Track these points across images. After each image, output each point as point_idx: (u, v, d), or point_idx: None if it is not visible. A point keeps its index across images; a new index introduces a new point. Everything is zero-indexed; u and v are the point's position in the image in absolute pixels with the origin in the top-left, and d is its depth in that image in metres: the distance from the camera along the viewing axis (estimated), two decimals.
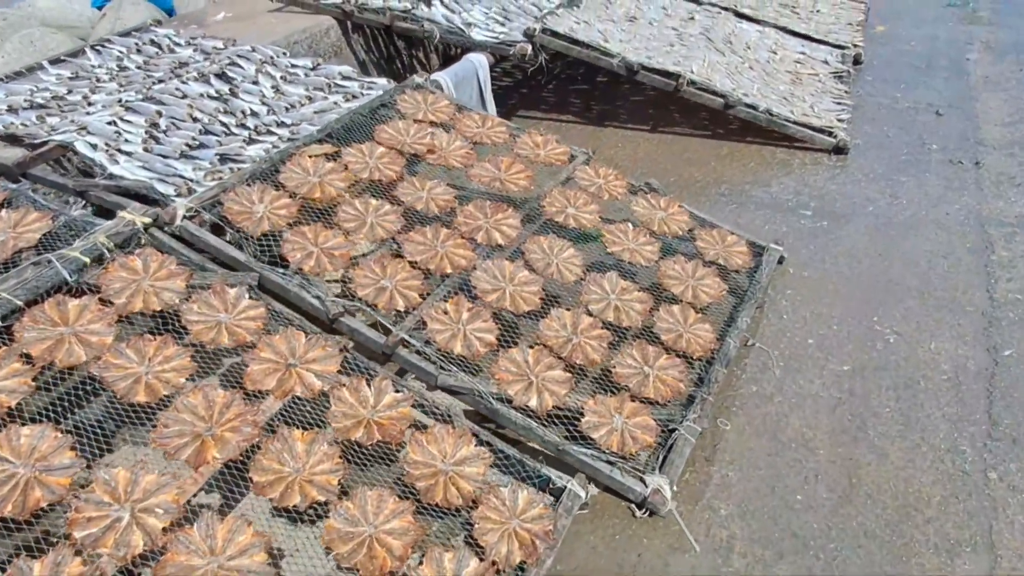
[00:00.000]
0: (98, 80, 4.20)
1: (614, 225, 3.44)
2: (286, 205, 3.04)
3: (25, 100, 3.88)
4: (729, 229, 3.66)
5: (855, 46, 6.15)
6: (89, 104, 3.87)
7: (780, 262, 3.62)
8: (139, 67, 4.39)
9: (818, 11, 6.90)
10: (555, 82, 6.29)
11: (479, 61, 5.11)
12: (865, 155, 4.76)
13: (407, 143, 3.56)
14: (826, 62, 5.80)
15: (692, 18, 5.98)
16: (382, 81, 4.34)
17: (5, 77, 4.14)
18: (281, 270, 2.80)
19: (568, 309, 2.98)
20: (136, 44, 4.62)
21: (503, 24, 5.63)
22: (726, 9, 6.25)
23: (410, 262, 2.96)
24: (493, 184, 3.46)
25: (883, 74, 5.98)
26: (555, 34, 5.10)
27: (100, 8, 7.06)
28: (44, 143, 3.42)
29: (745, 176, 4.58)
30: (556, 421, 2.64)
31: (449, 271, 2.97)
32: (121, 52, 4.52)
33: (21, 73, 4.22)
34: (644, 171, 4.72)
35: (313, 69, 4.40)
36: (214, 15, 5.80)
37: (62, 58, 4.40)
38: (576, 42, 5.08)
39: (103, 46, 4.60)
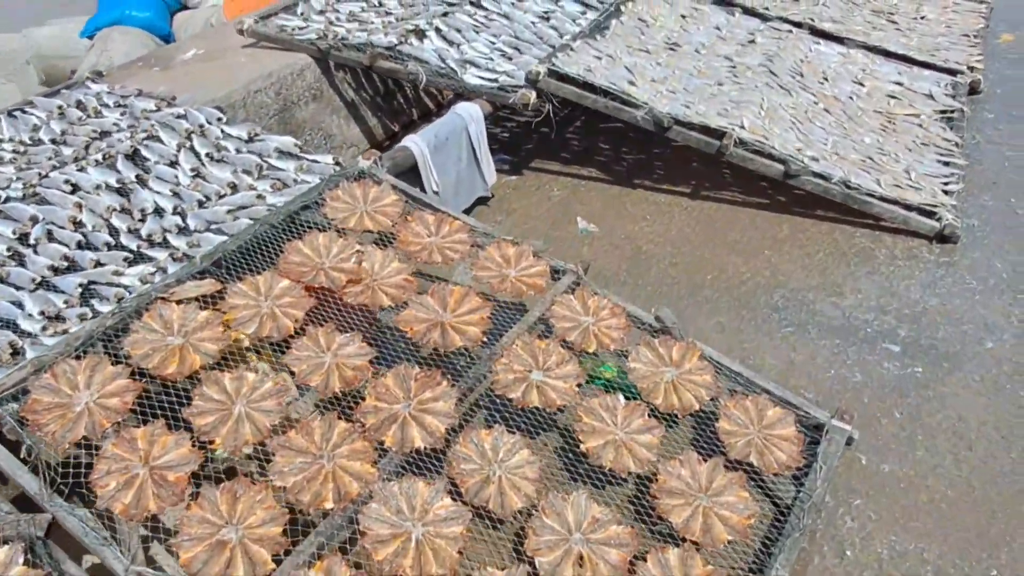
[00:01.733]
0: None
1: (595, 400, 2.41)
2: (123, 389, 2.19)
3: None
4: (772, 394, 2.56)
5: (971, 69, 4.75)
6: None
7: (848, 443, 2.50)
8: (54, 140, 3.65)
9: (923, 18, 5.48)
10: (584, 117, 5.21)
11: (470, 114, 4.11)
12: (982, 245, 3.49)
13: (324, 269, 2.64)
14: (930, 96, 4.46)
15: (752, 40, 4.75)
16: (326, 160, 3.43)
17: None
18: (83, 511, 1.95)
19: (503, 567, 2.00)
20: (60, 107, 3.88)
21: (511, 59, 4.60)
22: (799, 25, 4.96)
23: (275, 488, 2.05)
24: (429, 336, 2.50)
25: (1011, 109, 4.58)
26: (565, 77, 4.03)
27: (90, 38, 6.45)
28: None
29: (809, 276, 3.41)
30: None
31: (329, 505, 2.04)
32: (40, 120, 3.80)
33: None
34: (672, 263, 3.62)
35: (249, 141, 3.53)
36: (184, 53, 5.03)
37: None
38: (591, 87, 4.00)
39: (23, 111, 3.89)
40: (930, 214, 3.52)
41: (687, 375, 2.54)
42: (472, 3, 5.22)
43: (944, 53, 4.94)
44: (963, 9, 5.66)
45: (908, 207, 3.54)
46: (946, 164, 3.88)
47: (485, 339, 2.53)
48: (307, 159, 3.40)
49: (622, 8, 4.86)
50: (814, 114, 4.14)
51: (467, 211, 4.27)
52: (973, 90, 4.67)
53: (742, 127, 3.79)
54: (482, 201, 4.36)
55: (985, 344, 2.91)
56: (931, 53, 4.92)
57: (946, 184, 3.72)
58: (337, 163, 3.44)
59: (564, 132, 5.01)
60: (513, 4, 5.25)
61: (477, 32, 4.89)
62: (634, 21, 4.78)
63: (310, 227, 2.85)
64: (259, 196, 3.17)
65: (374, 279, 2.66)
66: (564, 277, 2.86)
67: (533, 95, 4.07)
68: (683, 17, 4.95)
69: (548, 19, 5.14)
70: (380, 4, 5.34)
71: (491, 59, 4.61)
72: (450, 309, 2.60)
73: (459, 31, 4.86)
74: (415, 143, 3.79)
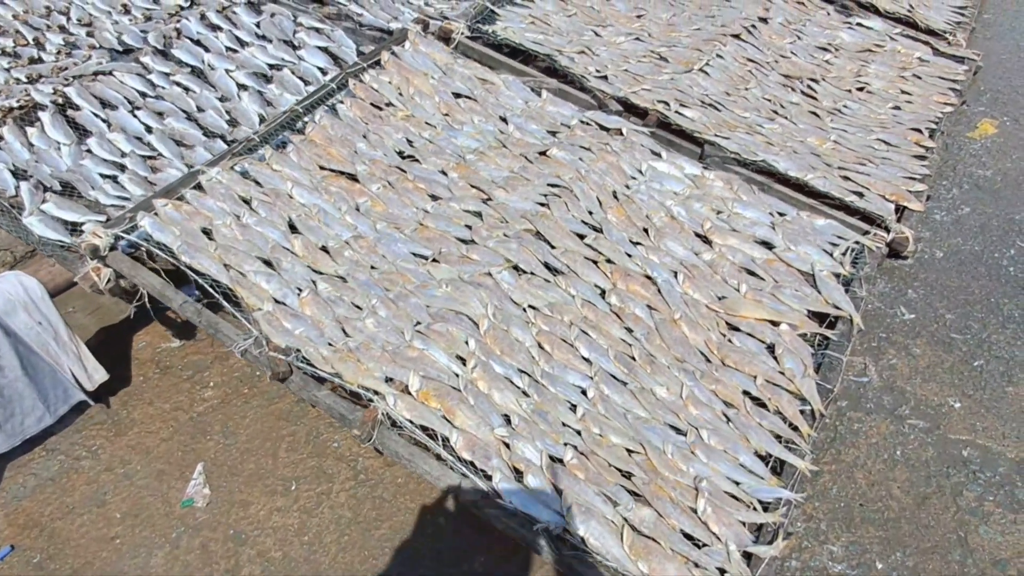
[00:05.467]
0: None
1: None
2: None
3: None
4: None
5: (900, 212, 2.93)
6: None
7: None
8: None
9: (862, 89, 3.58)
10: None
11: (11, 298, 2.44)
12: None
13: None
14: (811, 277, 2.67)
15: (545, 152, 2.93)
16: None
17: None
18: None
19: None
20: None
21: (159, 170, 2.90)
22: (643, 115, 3.11)
23: None
24: None
25: (952, 303, 2.78)
26: (149, 254, 2.35)
27: None
28: None
29: None
30: None
31: None
32: None
33: None
34: None
35: None
36: None
37: None
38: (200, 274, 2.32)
39: None
40: None
41: None
42: (159, 50, 3.46)
43: (867, 172, 3.09)
44: (930, 73, 3.73)
45: None
46: (778, 469, 2.15)
47: None
48: None
49: (350, 83, 3.06)
50: (586, 329, 2.40)
51: (57, 425, 2.71)
52: (895, 253, 2.88)
53: (406, 390, 2.10)
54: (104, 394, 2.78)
55: None
56: (845, 171, 3.08)
57: (756, 537, 2.01)
58: None
59: None
60: (225, 53, 3.47)
61: (136, 107, 3.16)
62: (360, 110, 2.98)
63: None
64: None
65: None
66: None
67: (106, 274, 2.40)
68: (457, 97, 3.14)
69: (270, 80, 3.38)
70: (36, 42, 3.59)
71: (120, 170, 2.91)
72: None
73: (105, 105, 3.14)
74: None
